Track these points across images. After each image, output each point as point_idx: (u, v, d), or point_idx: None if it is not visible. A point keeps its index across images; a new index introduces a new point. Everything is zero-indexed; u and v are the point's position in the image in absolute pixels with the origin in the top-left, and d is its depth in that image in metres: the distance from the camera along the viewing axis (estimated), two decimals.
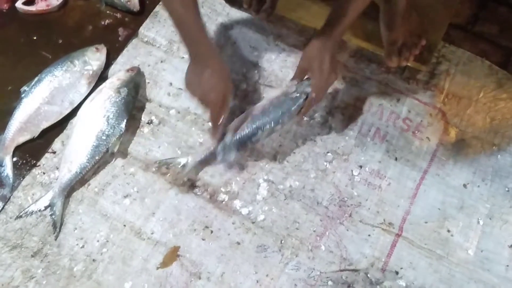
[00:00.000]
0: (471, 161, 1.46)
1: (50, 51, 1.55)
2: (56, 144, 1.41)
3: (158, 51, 1.57)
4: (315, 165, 1.42)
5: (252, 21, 1.62)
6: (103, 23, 1.62)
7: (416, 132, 1.48)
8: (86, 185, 1.36)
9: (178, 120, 1.46)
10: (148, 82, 1.52)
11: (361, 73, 1.56)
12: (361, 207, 1.37)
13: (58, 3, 1.61)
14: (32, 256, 1.27)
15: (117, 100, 1.41)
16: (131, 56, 1.56)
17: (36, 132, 1.40)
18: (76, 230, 1.31)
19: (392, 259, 1.32)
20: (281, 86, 1.47)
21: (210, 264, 1.29)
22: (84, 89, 1.46)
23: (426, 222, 1.37)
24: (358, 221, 1.36)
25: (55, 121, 1.43)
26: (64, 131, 1.43)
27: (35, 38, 1.58)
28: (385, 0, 1.45)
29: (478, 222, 1.37)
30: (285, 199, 1.37)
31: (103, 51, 1.52)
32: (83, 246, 1.29)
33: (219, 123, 1.29)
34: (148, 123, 1.46)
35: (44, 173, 1.37)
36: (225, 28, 1.61)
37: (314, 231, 1.34)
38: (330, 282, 1.28)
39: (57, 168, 1.37)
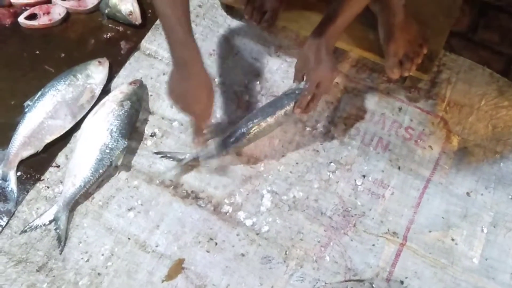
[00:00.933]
0: (474, 169, 1.46)
1: (53, 65, 1.56)
2: (60, 158, 1.41)
3: (160, 64, 1.58)
4: (318, 175, 1.42)
5: (254, 32, 1.63)
6: (105, 36, 1.62)
7: (419, 140, 1.49)
8: (90, 199, 1.37)
9: (181, 132, 1.47)
10: (151, 95, 1.52)
11: (363, 83, 1.57)
12: (365, 217, 1.38)
13: (60, 17, 1.62)
14: (37, 270, 1.28)
15: (120, 113, 1.41)
16: (134, 69, 1.56)
17: (40, 146, 1.41)
18: (81, 244, 1.31)
19: (397, 268, 1.32)
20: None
21: (215, 276, 1.29)
22: (87, 103, 1.47)
23: (430, 231, 1.37)
24: (362, 231, 1.36)
25: (59, 135, 1.43)
26: (68, 145, 1.43)
27: (37, 52, 1.59)
28: (383, 12, 1.45)
29: (482, 230, 1.37)
30: (289, 210, 1.38)
31: (106, 64, 1.53)
32: (88, 260, 1.29)
33: (201, 132, 1.31)
34: (151, 135, 1.46)
35: (48, 187, 1.37)
36: (227, 40, 1.62)
37: (319, 241, 1.34)
38: None
39: (61, 182, 1.37)
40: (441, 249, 1.35)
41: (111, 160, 1.37)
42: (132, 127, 1.43)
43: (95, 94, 1.48)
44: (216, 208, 1.37)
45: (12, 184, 1.36)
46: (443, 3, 1.55)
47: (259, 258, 1.32)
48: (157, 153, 1.41)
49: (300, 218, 1.37)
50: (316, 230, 1.35)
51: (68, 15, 1.65)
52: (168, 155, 1.40)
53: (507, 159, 1.47)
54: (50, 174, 1.39)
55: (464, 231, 1.37)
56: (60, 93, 1.45)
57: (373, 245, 1.34)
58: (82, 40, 1.62)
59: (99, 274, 1.28)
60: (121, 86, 1.49)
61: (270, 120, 1.34)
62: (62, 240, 1.30)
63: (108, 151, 1.37)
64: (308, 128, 1.49)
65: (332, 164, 1.44)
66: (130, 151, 1.43)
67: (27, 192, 1.37)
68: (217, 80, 1.54)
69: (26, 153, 1.40)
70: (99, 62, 1.52)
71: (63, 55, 1.59)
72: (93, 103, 1.47)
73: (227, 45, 1.61)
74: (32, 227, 1.31)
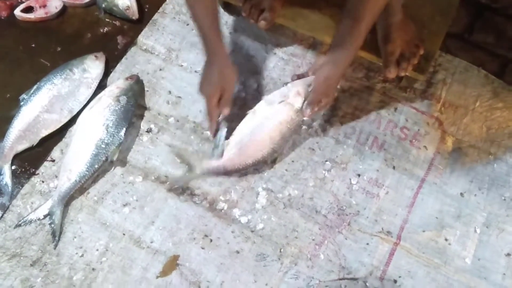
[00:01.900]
0: (468, 170, 1.47)
1: (49, 59, 1.55)
2: (55, 153, 1.41)
3: (157, 59, 1.57)
4: (313, 174, 1.43)
5: (251, 30, 1.63)
6: (102, 31, 1.62)
7: (414, 141, 1.49)
8: (85, 194, 1.36)
9: (177, 128, 1.47)
10: (147, 90, 1.52)
11: (359, 82, 1.57)
12: (359, 216, 1.38)
13: (57, 10, 1.62)
14: (31, 265, 1.27)
15: (117, 108, 1.41)
16: (130, 64, 1.56)
17: (35, 140, 1.40)
18: (76, 239, 1.31)
19: (391, 267, 1.33)
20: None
21: (209, 273, 1.29)
22: (83, 97, 1.46)
23: (423, 231, 1.38)
24: (357, 230, 1.37)
25: (54, 129, 1.43)
26: (63, 139, 1.43)
27: (33, 45, 1.58)
28: (381, 13, 1.45)
29: (475, 231, 1.39)
30: (284, 208, 1.38)
31: (102, 59, 1.52)
32: (82, 255, 1.29)
33: (214, 119, 1.38)
34: (147, 131, 1.46)
35: (43, 182, 1.37)
36: (224, 37, 1.62)
37: (313, 239, 1.35)
38: None
39: (56, 177, 1.37)
40: (435, 249, 1.36)
41: (106, 155, 1.37)
42: (128, 123, 1.42)
43: (91, 88, 1.48)
44: (212, 205, 1.37)
45: (6, 178, 1.36)
46: (440, 4, 1.55)
47: (254, 255, 1.32)
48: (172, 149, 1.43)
49: (295, 216, 1.37)
50: (311, 228, 1.36)
51: (65, 8, 1.65)
52: (180, 157, 1.41)
53: (500, 161, 1.49)
54: (45, 168, 1.39)
55: (457, 231, 1.38)
56: (56, 87, 1.44)
57: (367, 244, 1.35)
58: (78, 34, 1.61)
59: (93, 269, 1.28)
60: (118, 81, 1.48)
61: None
62: (56, 235, 1.30)
63: (103, 146, 1.37)
64: (304, 127, 1.49)
65: (327, 162, 1.44)
66: (126, 147, 1.43)
67: (22, 186, 1.36)
68: None
69: (21, 147, 1.40)
70: (96, 56, 1.51)
71: (59, 48, 1.58)
72: (89, 97, 1.47)
73: (224, 42, 1.60)
74: (27, 222, 1.31)
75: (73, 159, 1.35)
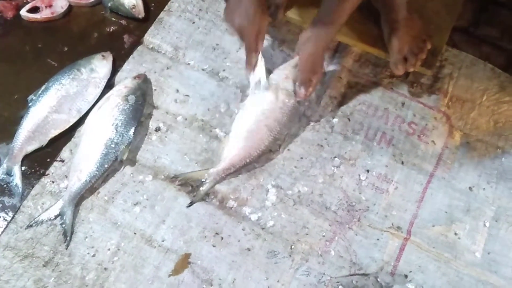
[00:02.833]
0: (476, 164, 1.47)
1: (56, 59, 1.55)
2: (65, 153, 1.41)
3: (164, 58, 1.57)
4: (322, 170, 1.43)
5: None
6: (108, 30, 1.62)
7: (422, 135, 1.50)
8: (95, 194, 1.37)
9: (186, 126, 1.47)
10: (155, 89, 1.52)
11: (366, 78, 1.57)
12: (369, 212, 1.39)
13: (62, 10, 1.62)
14: (44, 265, 1.28)
15: (125, 107, 1.41)
16: (137, 63, 1.56)
17: (44, 140, 1.40)
18: (87, 239, 1.31)
19: (401, 262, 1.33)
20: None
21: (221, 271, 1.30)
22: (91, 97, 1.46)
23: (433, 226, 1.38)
24: (367, 226, 1.37)
25: (63, 130, 1.43)
26: (72, 139, 1.43)
27: (40, 46, 1.58)
28: (387, 9, 1.46)
29: (485, 225, 1.39)
30: (294, 205, 1.38)
31: (109, 58, 1.52)
32: (94, 255, 1.30)
33: (254, 52, 1.38)
34: (156, 130, 1.46)
35: (53, 182, 1.37)
36: (230, 34, 1.62)
37: (324, 236, 1.35)
38: (340, 287, 1.30)
39: (66, 177, 1.37)
40: (445, 243, 1.36)
41: (116, 154, 1.37)
42: (137, 122, 1.43)
43: (99, 88, 1.48)
44: (222, 203, 1.37)
45: (17, 179, 1.36)
46: None
47: (265, 252, 1.33)
48: (174, 177, 1.40)
49: (305, 213, 1.37)
50: (321, 224, 1.36)
51: (71, 8, 1.64)
52: (186, 180, 1.39)
53: (508, 154, 1.49)
54: (55, 168, 1.39)
55: (466, 225, 1.39)
56: (64, 87, 1.44)
57: (378, 239, 1.36)
58: (85, 33, 1.61)
59: (105, 269, 1.28)
60: (125, 81, 1.48)
61: None
62: (68, 235, 1.30)
63: (113, 145, 1.37)
64: (312, 123, 1.49)
65: (336, 159, 1.45)
66: (135, 146, 1.43)
67: (32, 187, 1.36)
68: (220, 74, 1.54)
69: (30, 148, 1.40)
70: (103, 56, 1.51)
71: (66, 48, 1.58)
72: (97, 97, 1.47)
73: (230, 39, 1.60)
74: (38, 222, 1.31)
75: (83, 159, 1.35)
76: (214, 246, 1.32)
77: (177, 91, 1.52)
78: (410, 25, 1.45)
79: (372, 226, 1.37)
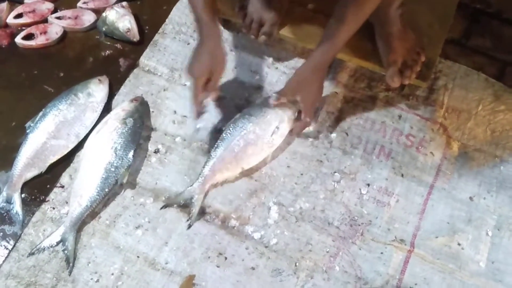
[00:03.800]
0: (476, 174, 1.48)
1: (52, 85, 1.55)
2: (64, 178, 1.41)
3: (160, 80, 1.58)
4: (323, 186, 1.43)
5: (251, 45, 1.64)
6: (103, 54, 1.62)
7: (420, 147, 1.50)
8: (97, 218, 1.36)
9: (185, 147, 1.47)
10: (153, 111, 1.52)
11: (362, 92, 1.58)
12: (372, 225, 1.39)
13: (57, 36, 1.62)
14: None
15: (124, 130, 1.41)
16: (134, 86, 1.56)
17: (43, 167, 1.40)
18: (90, 264, 1.30)
19: (406, 275, 1.33)
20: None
21: None
22: (89, 122, 1.46)
23: (436, 237, 1.38)
24: (370, 240, 1.37)
25: (62, 155, 1.42)
26: (71, 164, 1.43)
27: (36, 72, 1.58)
28: (380, 23, 1.47)
29: (487, 234, 1.39)
30: (296, 222, 1.38)
31: (106, 82, 1.53)
32: (97, 280, 1.28)
33: (198, 102, 1.36)
34: (155, 152, 1.46)
35: (54, 208, 1.36)
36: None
37: (327, 252, 1.35)
38: None
39: (67, 203, 1.36)
40: (448, 254, 1.36)
41: (116, 178, 1.36)
42: (136, 144, 1.42)
43: (97, 112, 1.48)
44: (224, 222, 1.37)
45: (17, 207, 1.35)
46: (438, 11, 1.58)
47: (269, 271, 1.32)
48: (163, 207, 1.39)
49: (308, 229, 1.37)
50: (324, 240, 1.36)
51: (65, 33, 1.65)
52: (174, 202, 1.39)
53: (507, 163, 1.50)
54: (55, 194, 1.38)
55: (469, 235, 1.39)
56: (61, 112, 1.44)
57: (382, 253, 1.35)
58: (80, 58, 1.62)
59: None
60: (123, 104, 1.49)
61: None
62: (70, 261, 1.29)
63: (113, 169, 1.36)
64: (310, 139, 1.50)
65: (336, 174, 1.45)
66: (135, 169, 1.43)
67: (33, 214, 1.35)
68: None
69: (30, 175, 1.39)
70: (99, 80, 1.52)
71: (62, 74, 1.58)
72: (95, 121, 1.47)
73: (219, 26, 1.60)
74: (40, 249, 1.30)
75: (83, 184, 1.35)
76: (218, 266, 1.32)
77: (175, 112, 1.52)
78: (404, 38, 1.46)
79: (376, 240, 1.37)
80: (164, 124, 1.51)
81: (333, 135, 1.51)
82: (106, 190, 1.35)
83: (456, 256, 1.36)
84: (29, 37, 1.62)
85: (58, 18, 1.66)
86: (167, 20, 1.69)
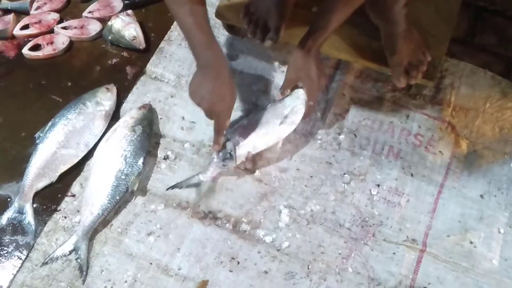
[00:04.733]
0: (485, 172, 1.48)
1: (60, 95, 1.56)
2: (75, 187, 1.41)
3: (167, 86, 1.59)
4: (333, 188, 1.43)
5: (256, 50, 1.65)
6: (110, 62, 1.63)
7: (429, 146, 1.50)
8: (108, 226, 1.36)
9: (194, 153, 1.47)
10: (161, 118, 1.53)
11: (368, 93, 1.59)
12: (383, 226, 1.39)
13: (64, 46, 1.63)
14: None
15: (133, 138, 1.42)
16: (141, 93, 1.57)
17: (54, 176, 1.41)
18: (103, 272, 1.31)
19: (419, 275, 1.33)
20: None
21: None
22: (98, 130, 1.47)
23: (448, 236, 1.38)
24: (382, 240, 1.37)
25: (72, 164, 1.43)
26: (82, 173, 1.43)
27: (43, 82, 1.59)
28: (385, 24, 1.47)
29: (499, 231, 1.39)
30: (307, 224, 1.38)
31: (114, 90, 1.53)
32: None
33: (222, 133, 1.35)
34: (164, 158, 1.46)
35: (65, 217, 1.37)
36: (230, 58, 1.64)
37: (340, 253, 1.35)
38: None
39: (78, 211, 1.37)
40: (461, 253, 1.36)
41: (127, 185, 1.37)
42: (145, 151, 1.43)
43: (105, 121, 1.49)
44: (235, 227, 1.37)
45: (29, 217, 1.36)
46: (442, 10, 1.57)
47: (282, 274, 1.32)
48: (171, 187, 1.40)
49: (319, 232, 1.37)
50: (336, 242, 1.36)
51: (72, 43, 1.66)
52: (182, 185, 1.40)
53: None
54: (66, 204, 1.39)
55: (481, 233, 1.39)
56: (71, 122, 1.45)
57: (394, 253, 1.35)
58: (87, 67, 1.63)
59: None
60: (131, 111, 1.49)
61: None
62: (83, 270, 1.30)
63: (123, 177, 1.37)
64: (318, 141, 1.50)
65: (346, 175, 1.45)
66: (145, 176, 1.43)
67: (45, 223, 1.36)
68: None
69: (41, 185, 1.40)
70: (107, 88, 1.53)
71: (69, 83, 1.59)
72: (104, 130, 1.48)
73: (231, 64, 1.62)
74: (53, 259, 1.31)
75: (94, 192, 1.35)
76: (231, 271, 1.32)
77: (183, 118, 1.53)
78: (409, 38, 1.46)
79: (387, 240, 1.37)
80: (172, 130, 1.51)
81: (342, 136, 1.51)
82: (117, 197, 1.36)
83: (468, 255, 1.36)
84: (36, 48, 1.63)
85: (64, 28, 1.68)
86: (172, 27, 1.70)
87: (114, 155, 1.39)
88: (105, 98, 1.51)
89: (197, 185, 1.40)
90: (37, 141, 1.43)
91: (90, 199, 1.34)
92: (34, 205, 1.38)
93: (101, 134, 1.47)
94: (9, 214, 1.36)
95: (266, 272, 1.32)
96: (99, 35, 1.68)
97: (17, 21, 1.69)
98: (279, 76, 1.61)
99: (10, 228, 1.35)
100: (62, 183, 1.42)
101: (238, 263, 1.33)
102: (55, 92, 1.57)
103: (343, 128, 1.52)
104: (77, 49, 1.66)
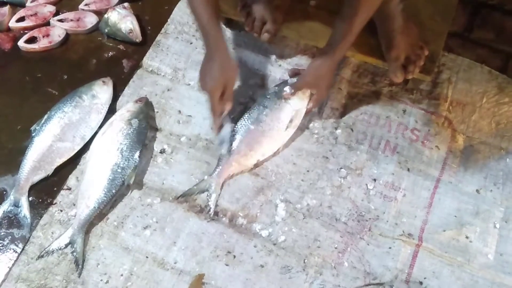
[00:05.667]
0: (481, 167, 1.48)
1: (56, 88, 1.56)
2: (71, 181, 1.41)
3: (164, 80, 1.58)
4: (330, 182, 1.43)
5: (254, 43, 1.64)
6: (106, 55, 1.62)
7: (425, 141, 1.51)
8: (104, 220, 1.36)
9: (190, 147, 1.47)
10: (157, 111, 1.52)
11: (366, 88, 1.58)
12: (379, 220, 1.39)
13: (60, 39, 1.62)
14: None
15: (129, 131, 1.41)
16: (138, 86, 1.56)
17: (50, 170, 1.40)
18: (99, 266, 1.30)
19: (415, 269, 1.33)
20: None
21: None
22: (94, 123, 1.46)
23: (444, 230, 1.38)
24: (378, 235, 1.37)
25: (68, 158, 1.43)
26: (78, 166, 1.43)
27: (39, 75, 1.58)
28: (382, 19, 1.47)
29: (495, 226, 1.39)
30: (304, 218, 1.38)
31: (110, 83, 1.53)
32: (107, 282, 1.29)
33: (218, 115, 1.38)
34: (160, 152, 1.46)
35: (61, 211, 1.37)
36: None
37: (336, 248, 1.35)
38: None
39: (74, 205, 1.37)
40: (457, 248, 1.36)
41: (123, 179, 1.37)
42: (142, 145, 1.43)
43: (101, 114, 1.48)
44: (231, 221, 1.37)
45: (24, 210, 1.35)
46: (439, 5, 1.57)
47: (278, 268, 1.32)
48: (181, 196, 1.40)
49: (315, 226, 1.37)
50: (332, 236, 1.36)
51: (68, 36, 1.65)
52: (193, 191, 1.40)
53: None
54: (62, 197, 1.38)
55: (477, 228, 1.39)
56: (67, 115, 1.44)
57: (390, 247, 1.36)
58: (83, 60, 1.62)
59: None
60: (127, 105, 1.49)
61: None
62: (79, 263, 1.29)
63: (119, 170, 1.37)
64: (315, 136, 1.50)
65: (342, 170, 1.45)
66: (141, 169, 1.43)
67: (41, 216, 1.36)
68: None
69: (36, 178, 1.39)
70: (103, 81, 1.52)
71: (65, 76, 1.58)
72: (100, 123, 1.47)
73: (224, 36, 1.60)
74: (49, 252, 1.30)
75: (90, 185, 1.35)
76: (227, 265, 1.32)
77: (179, 112, 1.53)
78: (406, 33, 1.46)
79: (383, 235, 1.37)
80: (169, 124, 1.51)
81: (338, 131, 1.51)
82: (113, 191, 1.35)
83: (464, 249, 1.36)
84: (31, 40, 1.62)
85: (60, 20, 1.66)
86: (169, 20, 1.69)
87: (110, 149, 1.39)
88: (101, 91, 1.50)
89: (208, 188, 1.39)
90: (33, 134, 1.43)
91: (86, 193, 1.34)
92: (30, 198, 1.38)
93: (97, 127, 1.46)
94: (4, 207, 1.36)
95: (262, 266, 1.32)
96: (96, 28, 1.67)
97: (13, 14, 1.67)
98: (276, 70, 1.61)
99: (5, 221, 1.35)
100: (58, 176, 1.42)
101: (234, 257, 1.33)
102: (51, 85, 1.56)
103: (340, 123, 1.52)
104: (73, 42, 1.66)
